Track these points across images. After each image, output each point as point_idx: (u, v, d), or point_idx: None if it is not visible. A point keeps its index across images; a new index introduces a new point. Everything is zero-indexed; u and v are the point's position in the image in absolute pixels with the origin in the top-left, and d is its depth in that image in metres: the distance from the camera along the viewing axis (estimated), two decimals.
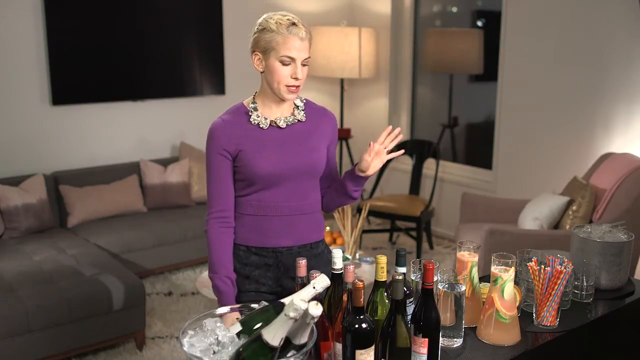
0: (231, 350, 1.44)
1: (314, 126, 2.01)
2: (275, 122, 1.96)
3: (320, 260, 2.04)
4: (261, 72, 1.95)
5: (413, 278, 1.76)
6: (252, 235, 1.99)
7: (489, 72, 4.97)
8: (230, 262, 1.97)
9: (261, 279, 2.01)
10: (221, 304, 1.91)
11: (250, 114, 1.97)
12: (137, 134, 4.83)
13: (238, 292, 2.00)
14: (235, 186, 2.00)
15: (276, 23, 1.87)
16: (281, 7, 5.30)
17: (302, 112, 2.01)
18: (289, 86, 1.90)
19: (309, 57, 1.92)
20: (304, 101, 2.04)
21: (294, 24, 1.87)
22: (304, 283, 1.67)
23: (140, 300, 3.41)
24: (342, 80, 5.54)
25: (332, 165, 2.08)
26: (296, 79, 1.89)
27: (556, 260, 1.83)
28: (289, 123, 1.97)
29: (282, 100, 1.95)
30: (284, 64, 1.88)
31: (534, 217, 3.77)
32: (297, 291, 1.56)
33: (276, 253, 1.99)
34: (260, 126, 1.95)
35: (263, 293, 2.02)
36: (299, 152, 1.95)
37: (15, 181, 4.11)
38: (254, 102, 1.99)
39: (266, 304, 1.60)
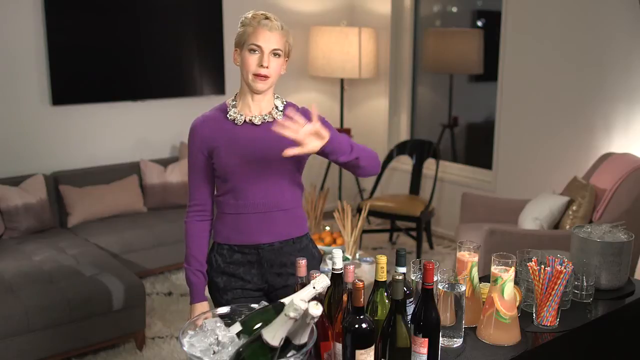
0: (231, 350, 1.44)
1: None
2: (251, 120, 1.99)
3: (305, 254, 2.07)
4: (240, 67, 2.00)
5: (413, 278, 1.76)
6: (233, 234, 2.03)
7: (489, 72, 4.96)
8: (204, 256, 2.07)
9: (246, 276, 2.05)
10: (191, 295, 2.06)
11: (228, 110, 2.01)
12: (137, 134, 4.83)
13: (224, 291, 2.06)
14: (216, 184, 2.07)
15: (250, 17, 1.95)
16: (281, 7, 5.30)
17: (281, 112, 2.02)
18: (256, 75, 1.93)
19: (280, 49, 1.94)
20: (285, 103, 2.06)
21: (267, 17, 1.94)
22: (304, 283, 1.66)
23: (140, 300, 3.41)
24: (342, 80, 5.54)
25: None
26: (261, 66, 1.92)
27: (556, 260, 1.83)
28: (264, 121, 2.00)
29: (255, 93, 1.98)
30: (251, 51, 1.93)
31: (534, 217, 3.77)
32: (297, 291, 1.56)
33: (258, 250, 2.03)
34: (235, 122, 1.99)
35: (249, 290, 2.07)
36: (271, 149, 1.96)
37: (15, 181, 4.11)
38: (234, 100, 2.03)
39: (266, 304, 1.60)
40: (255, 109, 2.00)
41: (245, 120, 1.99)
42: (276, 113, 2.01)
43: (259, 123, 1.99)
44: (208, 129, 2.00)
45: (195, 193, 2.06)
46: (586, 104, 4.23)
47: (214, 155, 1.99)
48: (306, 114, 2.06)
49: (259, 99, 2.00)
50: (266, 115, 2.00)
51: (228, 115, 2.00)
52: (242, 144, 1.97)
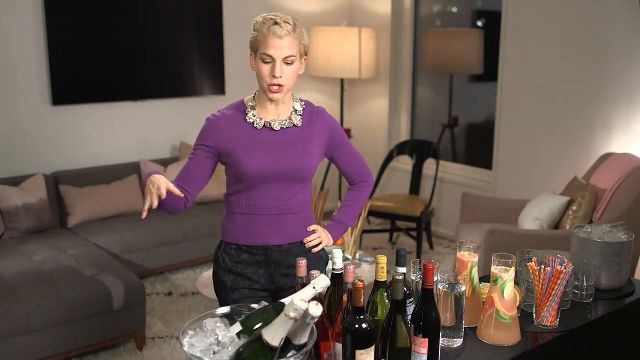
0: (231, 350, 1.44)
1: (308, 131, 2.02)
2: (270, 124, 1.97)
3: (312, 256, 2.07)
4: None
5: (413, 278, 1.76)
6: (242, 234, 2.03)
7: (489, 72, 4.96)
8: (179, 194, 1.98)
9: (253, 276, 2.05)
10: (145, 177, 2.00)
11: (247, 112, 1.98)
12: (137, 134, 4.83)
13: (231, 290, 2.05)
14: (227, 182, 2.05)
15: (261, 22, 1.90)
16: (281, 7, 5.30)
17: (300, 117, 2.01)
18: (270, 85, 1.91)
19: (293, 55, 1.91)
20: (304, 106, 2.04)
21: (276, 23, 1.88)
22: (304, 283, 1.66)
23: (140, 300, 3.41)
24: (342, 80, 5.54)
25: (349, 163, 2.15)
26: (274, 76, 1.90)
27: (556, 260, 1.83)
28: (283, 127, 1.99)
29: (271, 100, 1.97)
30: (264, 61, 1.91)
31: (534, 217, 3.77)
32: (297, 291, 1.56)
33: (266, 250, 2.03)
34: (255, 126, 1.98)
35: (256, 290, 2.06)
36: (289, 155, 1.97)
37: (15, 181, 4.11)
38: (252, 101, 2.01)
39: (266, 304, 1.60)
40: (274, 112, 2.00)
41: (264, 124, 1.98)
42: (295, 118, 2.00)
43: (278, 128, 1.98)
44: (225, 129, 1.97)
45: (183, 178, 2.03)
46: (586, 104, 4.23)
47: (229, 155, 1.97)
48: (321, 113, 2.06)
49: (277, 103, 1.99)
50: (285, 120, 1.99)
51: (247, 118, 1.98)
52: (260, 148, 1.96)
